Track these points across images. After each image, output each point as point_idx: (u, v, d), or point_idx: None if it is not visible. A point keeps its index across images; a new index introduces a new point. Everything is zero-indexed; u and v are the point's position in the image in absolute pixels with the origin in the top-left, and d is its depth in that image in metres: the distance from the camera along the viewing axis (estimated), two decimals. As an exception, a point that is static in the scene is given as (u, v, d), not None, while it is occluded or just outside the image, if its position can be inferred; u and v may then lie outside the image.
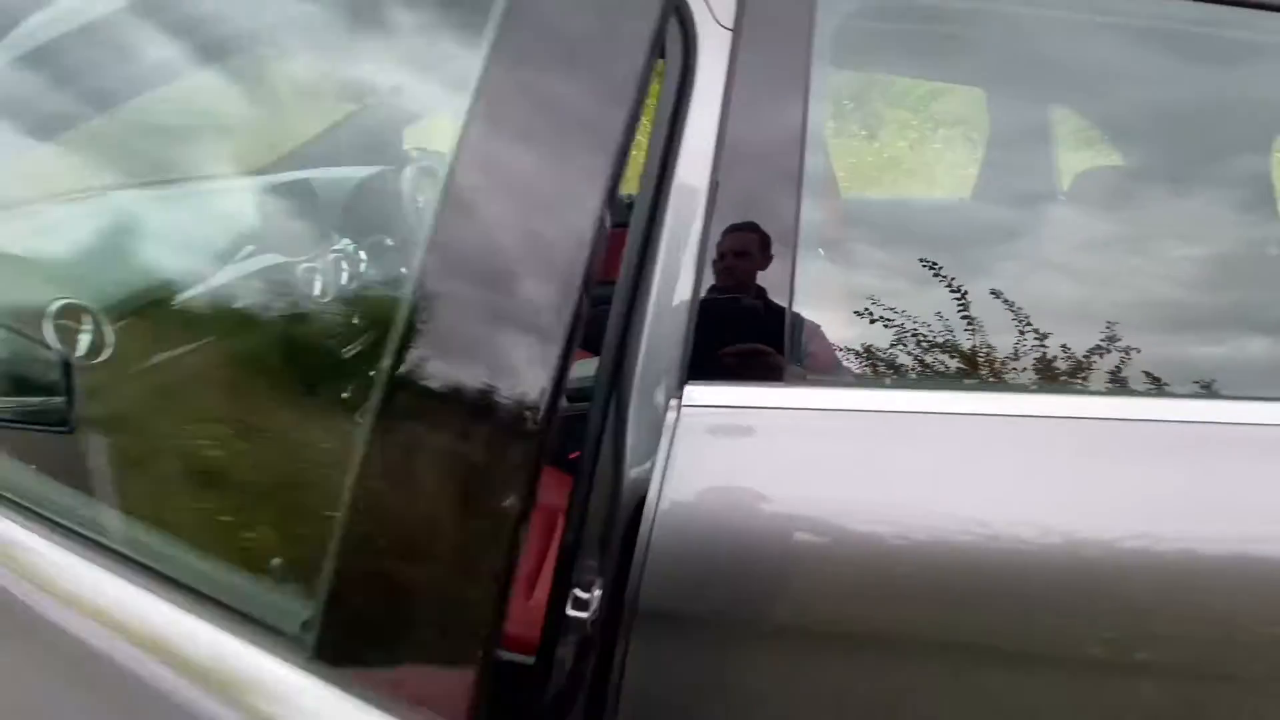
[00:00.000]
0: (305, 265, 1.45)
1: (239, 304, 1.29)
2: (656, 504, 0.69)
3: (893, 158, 1.21)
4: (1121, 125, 1.09)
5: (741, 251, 0.73)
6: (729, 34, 0.76)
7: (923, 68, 1.07)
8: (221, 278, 1.28)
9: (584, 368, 1.51)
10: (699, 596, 0.71)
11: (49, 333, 0.93)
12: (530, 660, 1.05)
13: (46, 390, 1.00)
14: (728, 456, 0.71)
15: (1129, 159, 1.15)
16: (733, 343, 0.74)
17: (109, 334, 1.00)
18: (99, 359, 0.98)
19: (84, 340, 0.97)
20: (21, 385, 1.00)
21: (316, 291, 1.44)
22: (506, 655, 1.05)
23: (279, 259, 1.41)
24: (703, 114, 0.75)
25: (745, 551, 0.69)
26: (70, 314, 0.97)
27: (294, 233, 1.51)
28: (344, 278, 1.55)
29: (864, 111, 1.10)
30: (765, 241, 0.73)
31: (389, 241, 1.79)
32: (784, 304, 0.73)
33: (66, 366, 0.95)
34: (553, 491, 1.43)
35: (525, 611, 1.11)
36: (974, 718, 0.72)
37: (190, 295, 1.20)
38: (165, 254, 1.25)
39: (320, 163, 1.95)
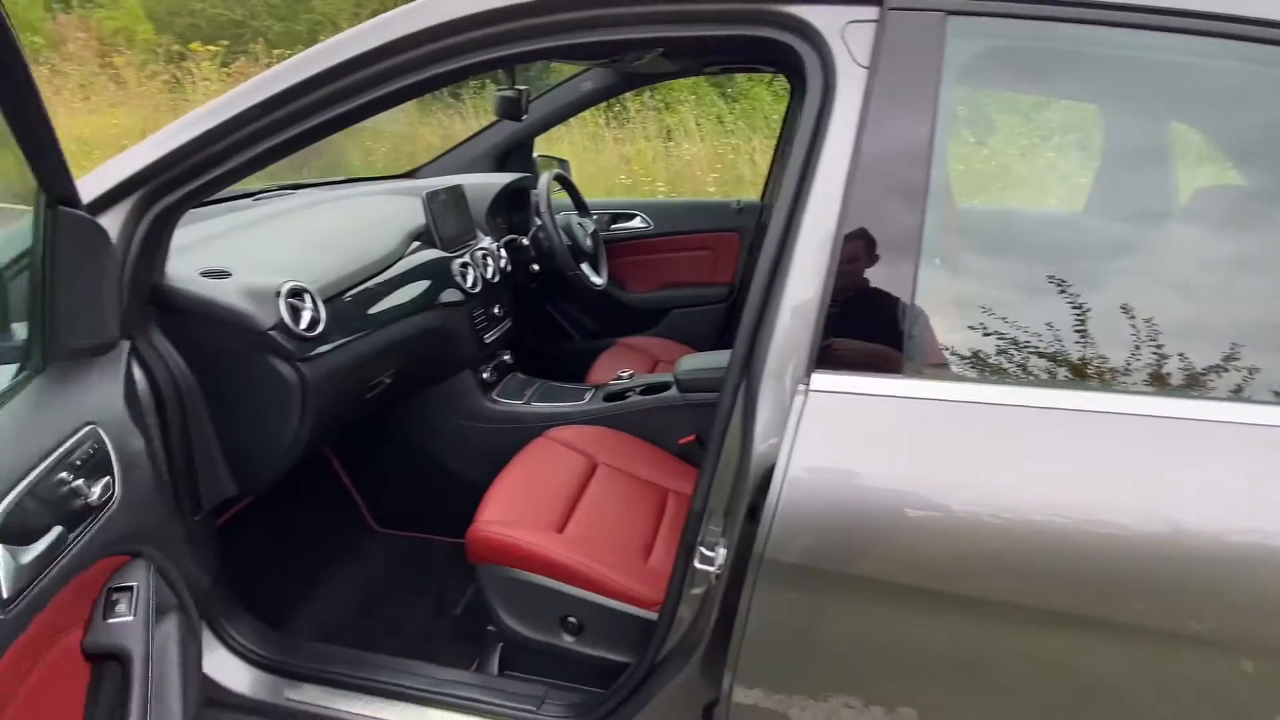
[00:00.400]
0: (459, 261, 1.65)
1: (410, 292, 1.49)
2: (784, 475, 0.80)
3: (1001, 165, 1.25)
4: (1241, 143, 1.12)
5: (869, 256, 0.83)
6: (864, 71, 0.87)
7: (1044, 90, 1.13)
8: (399, 268, 1.48)
9: (695, 360, 1.64)
10: (819, 554, 0.81)
11: (280, 307, 1.14)
12: (652, 615, 1.19)
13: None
14: (849, 437, 0.80)
15: (1249, 177, 1.17)
16: (858, 337, 0.84)
17: (323, 310, 1.21)
18: (316, 332, 1.19)
19: (305, 315, 1.18)
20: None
21: (469, 283, 1.64)
22: (630, 610, 1.20)
23: (439, 253, 1.61)
24: (839, 138, 0.86)
25: (861, 518, 0.79)
26: (295, 294, 1.19)
27: (450, 232, 1.71)
28: (489, 272, 1.75)
29: (974, 117, 1.15)
30: (890, 247, 0.83)
31: (523, 242, 1.98)
32: (906, 304, 0.81)
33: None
34: (660, 472, 1.57)
35: (643, 574, 1.25)
36: (1048, 681, 0.80)
37: (376, 282, 1.40)
38: (359, 247, 1.45)
39: (460, 168, 2.17)
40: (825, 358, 0.83)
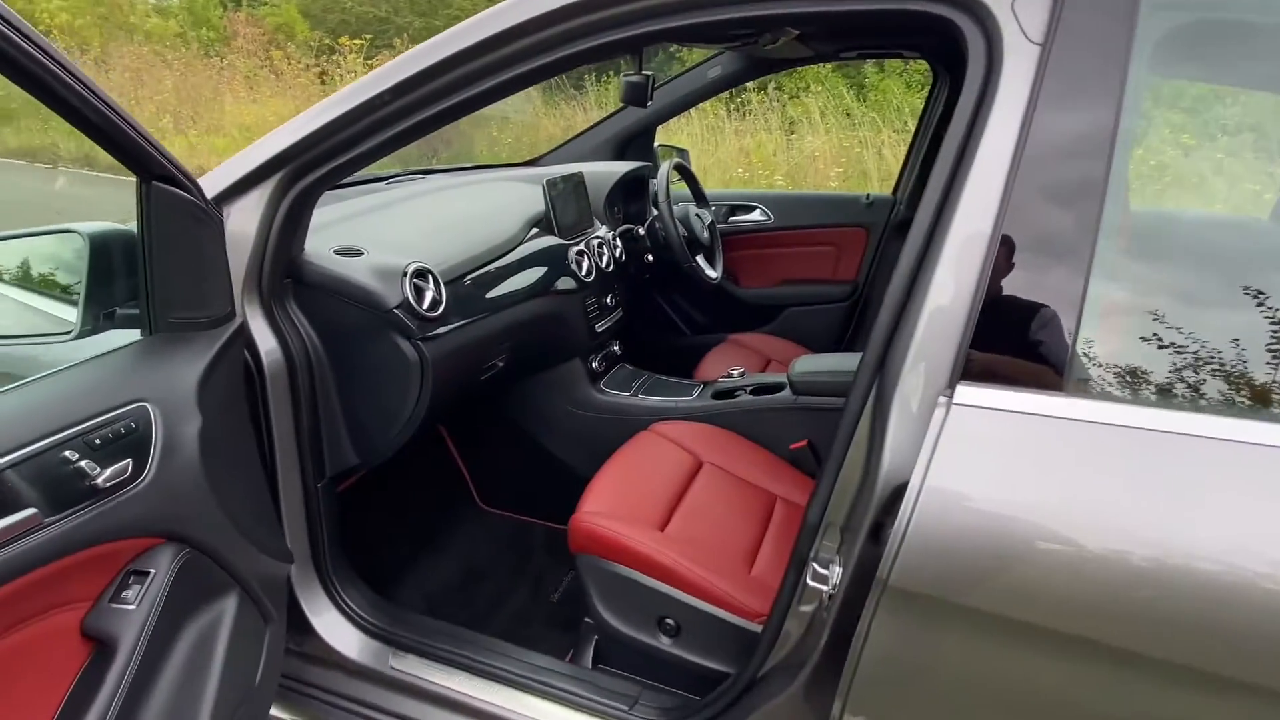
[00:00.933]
0: (575, 249, 1.64)
1: (527, 278, 1.50)
2: (918, 494, 0.72)
3: (1159, 165, 1.11)
4: None
5: (1030, 257, 0.74)
6: (1037, 48, 0.77)
7: (1246, 76, 0.98)
8: (517, 253, 1.49)
9: (811, 362, 1.56)
10: (952, 585, 0.73)
11: (405, 287, 1.17)
12: (752, 626, 1.13)
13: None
14: (997, 458, 0.72)
15: None
16: (1014, 347, 0.75)
17: (444, 292, 1.24)
18: (437, 313, 1.21)
19: (428, 296, 1.21)
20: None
21: (583, 271, 1.64)
22: (730, 618, 1.15)
23: (557, 241, 1.62)
24: (1001, 125, 0.76)
25: (1003, 550, 0.70)
26: (419, 274, 1.21)
27: (568, 220, 1.70)
28: (603, 261, 1.73)
29: (1166, 103, 1.03)
30: (1057, 249, 0.73)
31: (639, 232, 1.96)
32: (1073, 313, 0.72)
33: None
34: (768, 476, 1.50)
35: (746, 583, 1.19)
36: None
37: (495, 267, 1.42)
38: (482, 231, 1.48)
39: (581, 156, 2.18)
40: (972, 368, 0.75)
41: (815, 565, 0.89)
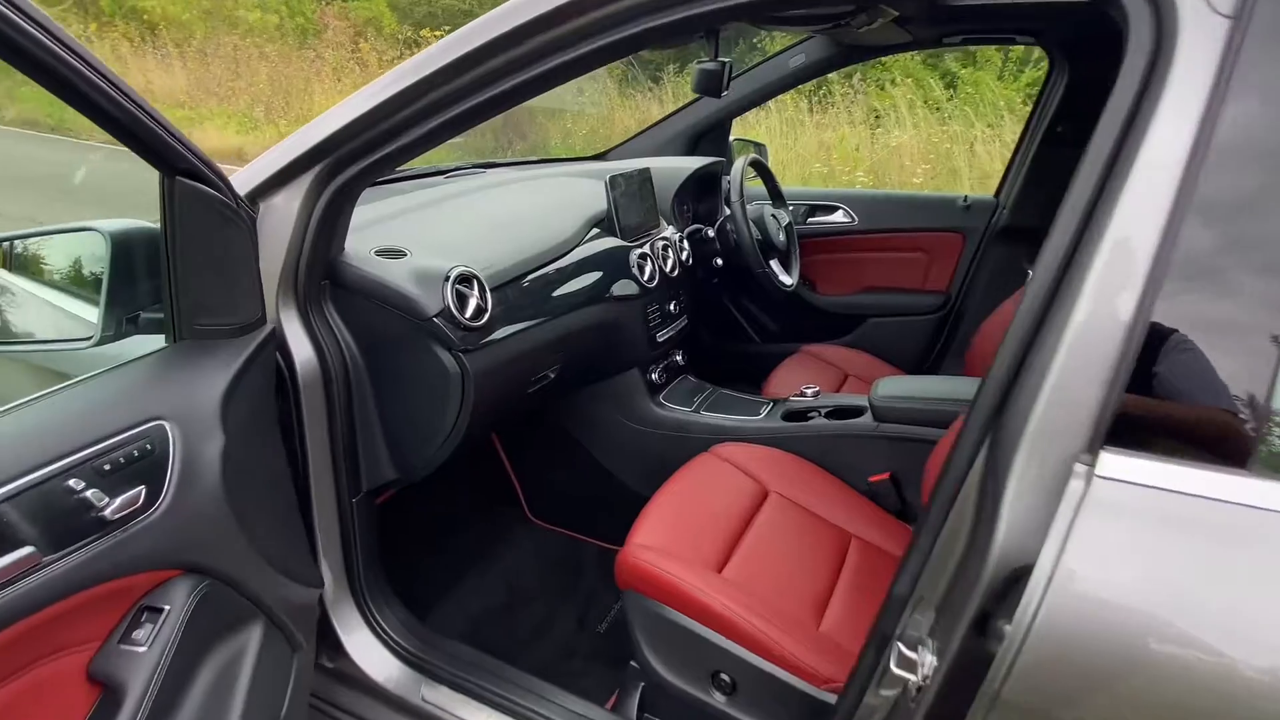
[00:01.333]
0: (638, 251, 1.52)
1: (582, 282, 1.38)
2: (1045, 589, 0.57)
3: None
4: None
5: (1211, 285, 0.57)
6: (1227, 22, 0.60)
7: None
8: (574, 256, 1.38)
9: (897, 384, 1.39)
10: (1089, 708, 0.58)
11: (446, 293, 1.08)
12: (821, 694, 0.99)
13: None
14: (1157, 553, 0.55)
15: None
16: (1179, 405, 0.59)
17: (490, 299, 1.14)
18: (481, 321, 1.11)
19: (471, 303, 1.11)
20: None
21: (645, 276, 1.51)
22: (795, 682, 1.01)
23: (618, 242, 1.50)
24: (1174, 118, 0.60)
25: (1155, 677, 0.55)
26: (463, 280, 1.12)
27: (631, 220, 1.58)
28: (668, 265, 1.60)
29: None
30: (1246, 276, 0.56)
31: (709, 233, 1.82)
32: (1268, 364, 0.55)
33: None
34: (843, 511, 1.34)
35: (815, 641, 1.05)
36: None
37: (549, 270, 1.31)
38: (537, 231, 1.37)
39: (652, 151, 2.05)
40: (1123, 430, 0.58)
41: (901, 646, 0.74)
